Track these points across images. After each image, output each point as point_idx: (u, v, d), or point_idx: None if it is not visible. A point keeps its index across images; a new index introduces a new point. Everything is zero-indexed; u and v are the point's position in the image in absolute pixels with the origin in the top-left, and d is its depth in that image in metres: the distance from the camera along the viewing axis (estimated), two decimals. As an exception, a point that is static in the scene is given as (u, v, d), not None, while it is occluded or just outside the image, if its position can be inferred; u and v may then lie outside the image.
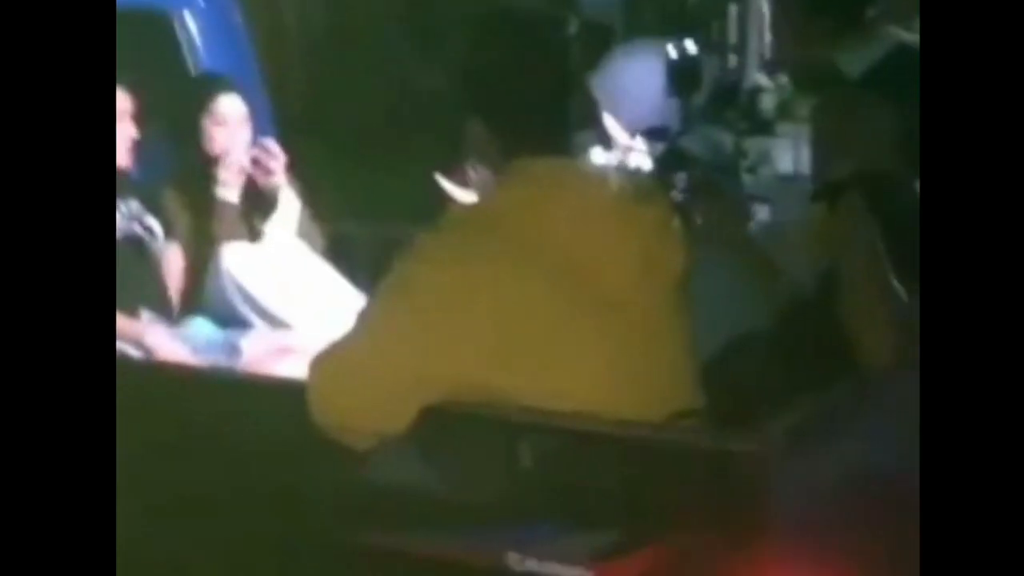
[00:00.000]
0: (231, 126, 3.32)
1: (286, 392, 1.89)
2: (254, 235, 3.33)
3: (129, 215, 3.18)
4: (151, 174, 3.38)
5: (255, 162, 3.30)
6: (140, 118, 3.12)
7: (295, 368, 2.98)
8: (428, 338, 1.67)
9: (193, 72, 3.67)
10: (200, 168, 3.32)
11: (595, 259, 1.70)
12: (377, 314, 1.77)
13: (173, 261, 3.30)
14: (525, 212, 1.68)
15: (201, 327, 3.17)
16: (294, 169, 3.38)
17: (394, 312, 1.73)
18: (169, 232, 3.28)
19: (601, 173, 2.03)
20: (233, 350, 3.01)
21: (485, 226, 1.72)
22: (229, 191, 3.29)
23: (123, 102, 3.07)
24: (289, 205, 3.32)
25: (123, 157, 3.08)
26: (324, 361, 1.77)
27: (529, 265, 1.67)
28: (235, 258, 3.18)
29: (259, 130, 3.47)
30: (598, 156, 3.03)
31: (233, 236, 3.28)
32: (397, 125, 5.04)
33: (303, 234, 3.37)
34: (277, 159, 3.30)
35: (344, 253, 3.34)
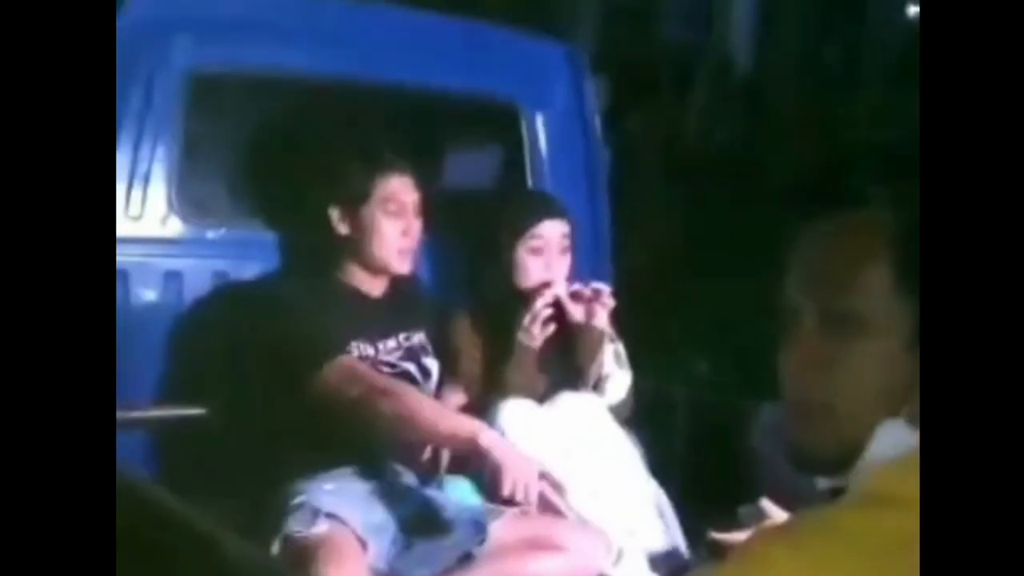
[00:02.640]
0: (549, 256, 2.73)
1: None
2: (548, 391, 2.70)
3: (405, 348, 2.62)
4: (438, 294, 2.85)
5: (574, 297, 2.68)
6: (428, 217, 2.59)
7: (550, 571, 2.34)
8: None
9: (529, 182, 3.11)
10: (504, 300, 2.74)
11: None
12: None
13: (452, 404, 2.71)
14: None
15: (459, 488, 2.55)
16: (618, 322, 2.73)
17: None
18: (451, 372, 2.70)
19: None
20: (478, 529, 2.38)
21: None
22: (533, 335, 2.67)
23: (409, 192, 2.54)
24: (606, 363, 2.67)
25: (395, 257, 2.55)
26: None
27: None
28: (517, 418, 2.56)
29: (591, 268, 2.86)
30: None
31: (523, 390, 2.66)
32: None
33: (611, 401, 2.71)
34: (604, 306, 2.67)
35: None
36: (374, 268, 2.57)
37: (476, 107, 3.04)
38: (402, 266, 2.58)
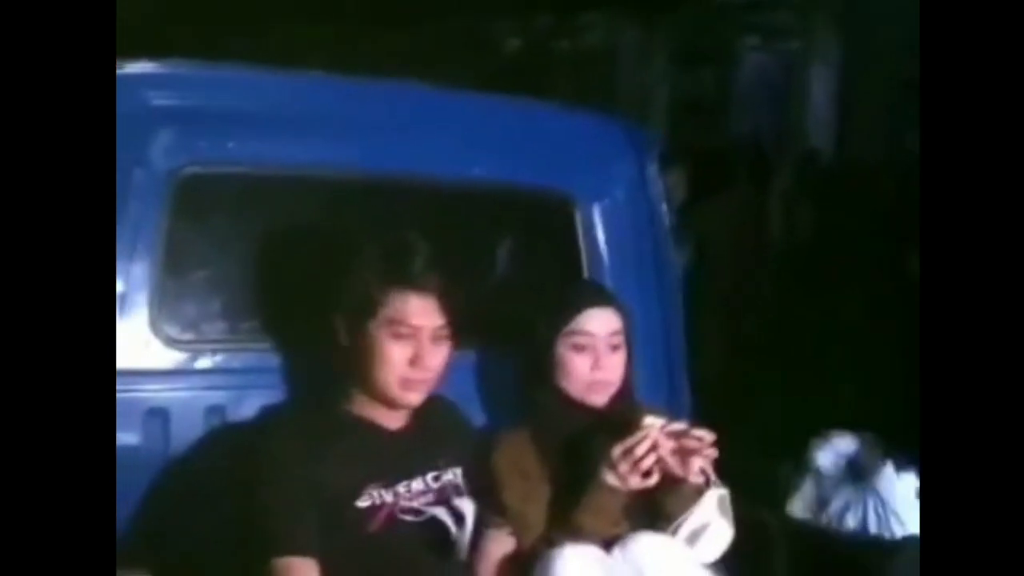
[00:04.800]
0: (596, 353, 2.26)
1: None
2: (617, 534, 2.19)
3: (435, 490, 2.15)
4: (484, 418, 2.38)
5: (671, 437, 2.14)
6: (463, 334, 2.14)
7: None
8: None
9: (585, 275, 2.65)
10: (555, 412, 2.27)
11: None
12: None
13: (494, 553, 2.22)
14: None
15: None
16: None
17: None
18: (495, 512, 2.21)
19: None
20: None
21: None
22: (624, 477, 2.11)
23: (428, 316, 2.09)
24: (704, 512, 2.16)
25: (397, 388, 2.10)
26: None
27: None
28: (578, 569, 2.06)
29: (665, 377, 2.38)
30: None
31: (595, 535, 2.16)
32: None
33: (705, 558, 2.19)
34: (705, 457, 2.12)
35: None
36: (379, 397, 2.12)
37: (521, 200, 2.61)
38: (407, 398, 2.12)
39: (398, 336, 2.07)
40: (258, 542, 1.98)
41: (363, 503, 2.06)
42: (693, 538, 2.15)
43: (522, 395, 2.32)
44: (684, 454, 2.10)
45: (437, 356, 2.10)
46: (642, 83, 10.91)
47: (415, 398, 2.12)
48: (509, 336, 2.33)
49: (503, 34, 11.29)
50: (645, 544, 2.13)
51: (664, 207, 2.73)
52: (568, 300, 2.31)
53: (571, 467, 2.21)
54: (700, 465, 2.10)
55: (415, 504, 2.11)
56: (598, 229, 2.66)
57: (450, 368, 2.14)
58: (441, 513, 2.12)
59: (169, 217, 2.14)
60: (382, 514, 2.07)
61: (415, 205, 2.43)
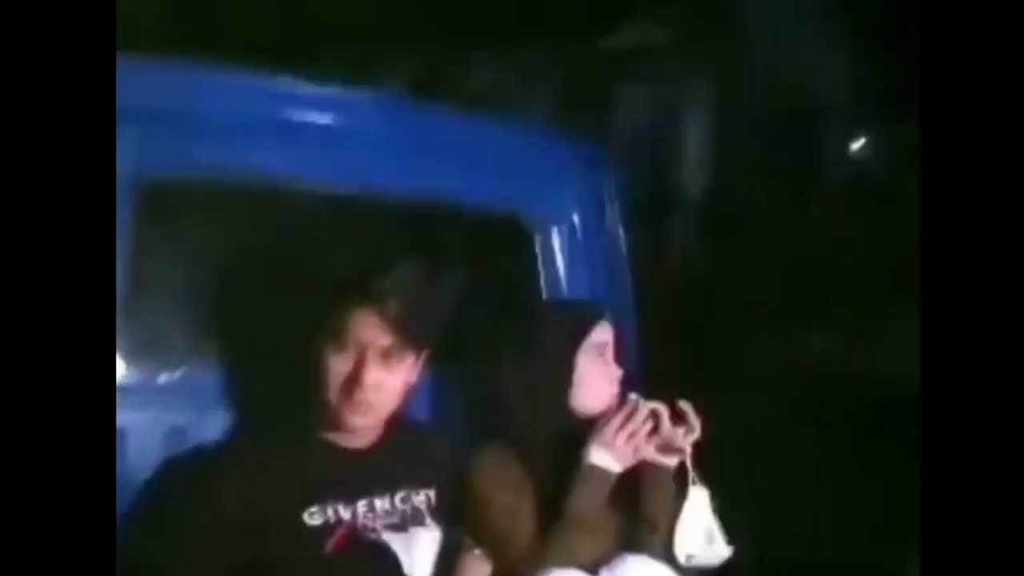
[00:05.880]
0: (610, 367, 2.24)
1: None
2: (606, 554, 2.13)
3: (402, 511, 2.07)
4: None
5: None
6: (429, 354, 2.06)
7: None
8: None
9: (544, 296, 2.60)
10: (557, 428, 2.21)
11: None
12: None
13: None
14: None
15: None
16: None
17: None
18: (473, 534, 2.13)
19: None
20: None
21: None
22: (618, 451, 2.12)
23: (373, 332, 1.98)
24: (692, 517, 2.14)
25: (344, 407, 1.99)
26: None
27: None
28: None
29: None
30: None
31: (587, 546, 2.10)
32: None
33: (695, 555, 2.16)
34: (692, 431, 2.14)
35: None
36: (332, 418, 2.01)
37: (478, 220, 2.55)
38: (351, 420, 2.00)
39: (341, 351, 1.96)
40: None
41: (315, 521, 1.94)
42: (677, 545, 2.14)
43: (511, 417, 2.23)
44: (669, 447, 2.13)
45: (384, 376, 1.98)
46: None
47: (360, 420, 2.00)
48: (483, 357, 2.26)
49: (386, 73, 11.20)
50: (633, 567, 2.08)
51: (620, 228, 2.70)
52: (584, 314, 2.27)
53: (561, 469, 2.15)
54: (687, 441, 2.13)
55: (377, 524, 2.01)
56: (556, 251, 2.62)
57: (414, 390, 2.05)
58: (397, 542, 2.02)
59: (133, 226, 2.02)
60: (340, 534, 1.96)
61: (378, 219, 2.34)
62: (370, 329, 1.95)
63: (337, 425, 2.00)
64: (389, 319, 1.95)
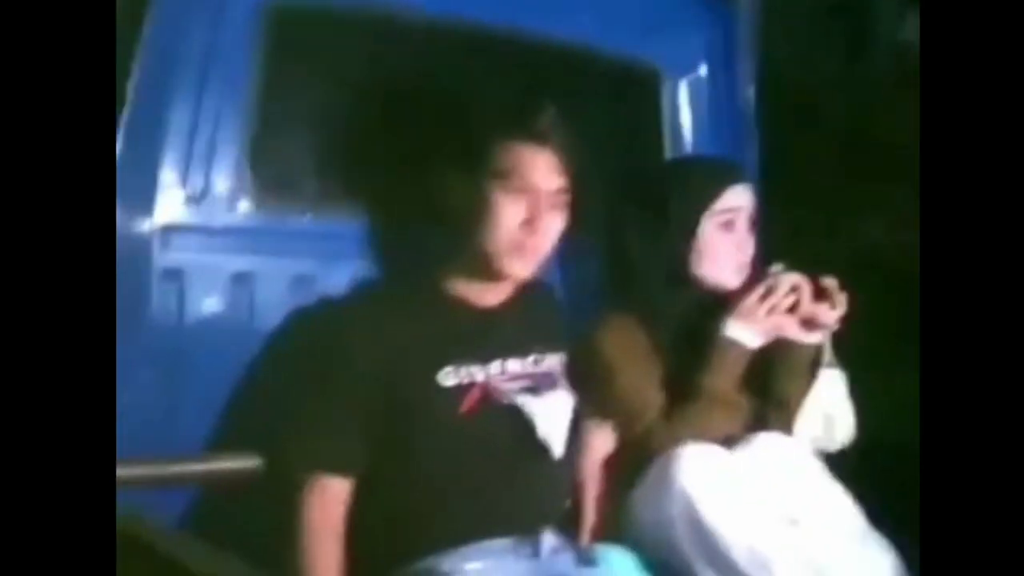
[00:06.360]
0: (741, 234, 2.09)
1: None
2: (739, 432, 2.04)
3: (531, 374, 1.94)
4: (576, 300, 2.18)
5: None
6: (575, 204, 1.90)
7: None
8: None
9: (668, 154, 2.45)
10: (683, 297, 2.09)
11: None
12: None
13: (597, 450, 2.05)
14: None
15: (618, 565, 1.89)
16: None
17: None
18: (595, 404, 2.03)
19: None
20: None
21: None
22: (758, 324, 2.02)
23: (548, 173, 1.85)
24: (826, 395, 2.04)
25: (510, 254, 1.86)
26: None
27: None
28: (700, 470, 1.91)
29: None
30: None
31: (719, 423, 2.01)
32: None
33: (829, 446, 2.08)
34: (836, 306, 2.03)
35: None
36: (482, 268, 1.88)
37: (607, 68, 2.38)
38: (514, 267, 1.87)
39: (514, 193, 1.83)
40: (297, 450, 1.79)
41: (449, 382, 1.84)
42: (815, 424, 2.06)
43: (636, 278, 2.10)
44: (811, 324, 2.03)
45: (553, 224, 1.86)
46: None
47: (523, 269, 1.87)
48: (615, 217, 2.13)
49: None
50: (768, 444, 2.00)
51: (751, 90, 2.53)
52: (714, 175, 2.11)
53: (690, 342, 2.05)
54: (830, 318, 2.03)
55: (511, 387, 1.89)
56: (683, 105, 2.46)
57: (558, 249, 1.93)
58: (530, 405, 1.90)
59: (261, 57, 1.87)
60: (474, 394, 1.85)
61: (513, 61, 2.19)
62: (543, 171, 1.83)
63: (491, 274, 1.88)
64: (559, 160, 1.83)
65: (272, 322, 1.92)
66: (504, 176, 1.82)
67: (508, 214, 1.83)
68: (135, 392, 1.76)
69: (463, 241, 1.87)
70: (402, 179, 1.96)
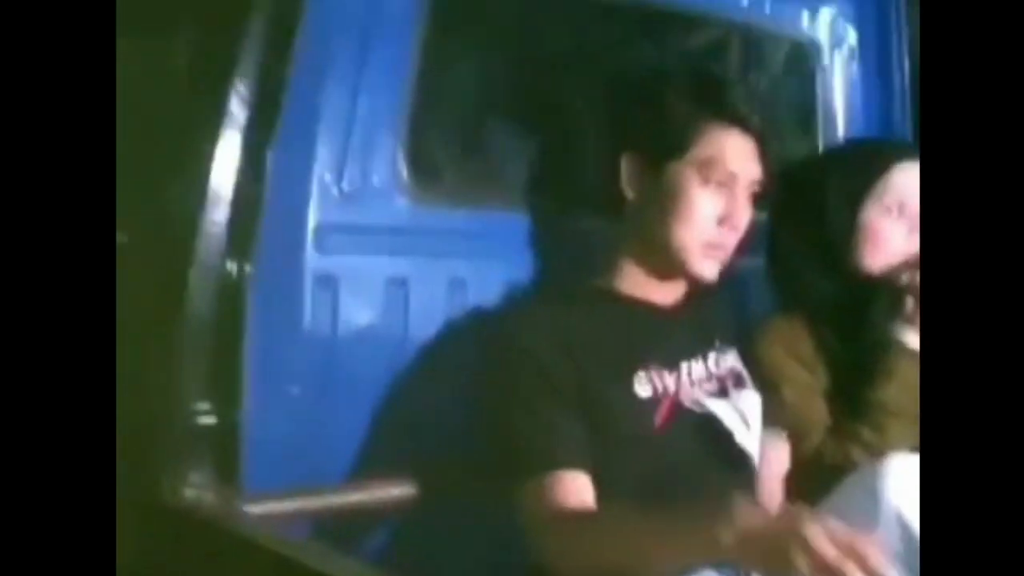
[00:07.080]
0: (912, 220, 1.85)
1: None
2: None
3: (716, 377, 1.73)
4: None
5: None
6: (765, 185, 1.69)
7: None
8: None
9: (820, 132, 2.25)
10: (852, 290, 1.87)
11: None
12: None
13: (776, 462, 1.86)
14: None
15: None
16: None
17: None
18: (774, 411, 1.83)
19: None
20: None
21: None
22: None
23: (747, 161, 1.66)
24: None
25: (698, 253, 1.67)
26: None
27: None
28: (911, 484, 1.70)
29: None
30: None
31: (898, 439, 1.78)
32: None
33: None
34: None
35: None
36: (663, 265, 1.69)
37: (761, 41, 2.19)
38: (702, 268, 1.67)
39: (711, 183, 1.64)
40: (523, 453, 1.58)
41: (644, 392, 1.64)
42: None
43: (796, 272, 1.91)
44: None
45: (746, 219, 1.67)
46: None
47: (711, 269, 1.68)
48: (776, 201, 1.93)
49: None
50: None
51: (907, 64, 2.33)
52: (880, 152, 1.91)
53: (858, 344, 1.83)
54: None
55: (699, 392, 1.69)
56: (836, 80, 2.27)
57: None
58: (724, 410, 1.70)
59: (422, 38, 1.67)
60: (665, 405, 1.65)
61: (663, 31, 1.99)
62: (743, 157, 1.64)
63: (672, 272, 1.69)
64: (758, 144, 1.64)
65: (428, 331, 1.74)
66: (702, 164, 1.63)
67: (705, 208, 1.64)
68: (285, 411, 1.61)
69: (643, 237, 1.68)
70: (570, 168, 1.76)
